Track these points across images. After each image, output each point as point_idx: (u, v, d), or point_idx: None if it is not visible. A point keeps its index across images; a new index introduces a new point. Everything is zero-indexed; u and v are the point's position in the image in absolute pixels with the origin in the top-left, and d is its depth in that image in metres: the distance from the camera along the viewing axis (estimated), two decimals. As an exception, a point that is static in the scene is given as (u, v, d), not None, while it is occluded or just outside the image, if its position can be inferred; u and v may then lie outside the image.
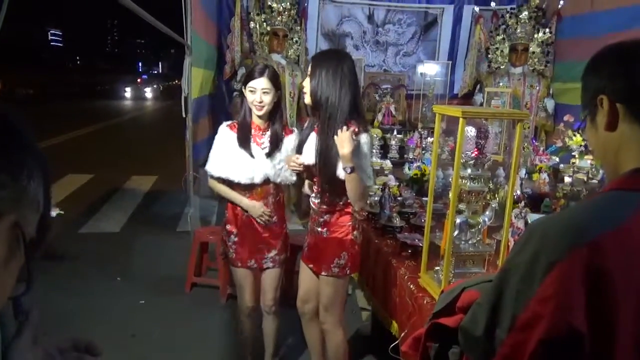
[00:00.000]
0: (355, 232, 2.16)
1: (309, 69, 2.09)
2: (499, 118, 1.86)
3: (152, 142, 11.17)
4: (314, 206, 2.21)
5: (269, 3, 5.36)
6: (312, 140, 2.13)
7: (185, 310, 3.41)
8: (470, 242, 1.82)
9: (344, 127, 1.96)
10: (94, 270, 4.01)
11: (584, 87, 0.92)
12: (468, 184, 1.78)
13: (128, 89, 31.74)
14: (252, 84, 2.24)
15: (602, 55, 0.90)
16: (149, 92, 32.46)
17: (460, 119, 1.63)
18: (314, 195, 2.21)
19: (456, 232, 1.79)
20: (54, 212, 2.93)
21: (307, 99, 2.11)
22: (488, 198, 1.83)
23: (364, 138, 2.05)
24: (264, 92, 2.23)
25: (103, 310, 3.37)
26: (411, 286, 1.99)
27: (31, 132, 0.58)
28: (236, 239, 2.38)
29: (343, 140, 1.93)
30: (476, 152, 1.75)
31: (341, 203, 2.12)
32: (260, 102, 2.24)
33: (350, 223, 2.14)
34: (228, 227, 2.42)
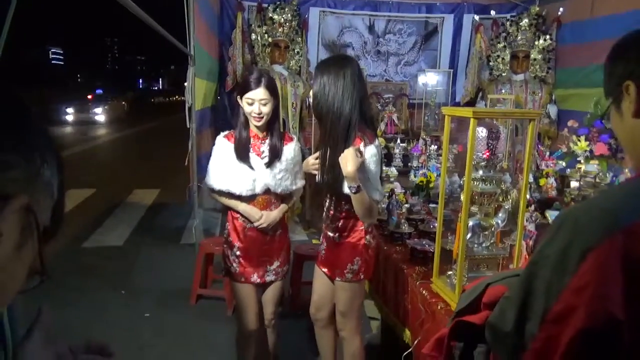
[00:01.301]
0: (368, 237, 2.11)
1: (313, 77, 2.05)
2: (510, 117, 1.84)
3: (154, 155, 11.18)
4: (326, 212, 2.17)
5: (270, 15, 5.39)
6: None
7: (191, 323, 3.37)
8: (483, 245, 1.79)
9: (351, 148, 1.88)
10: (99, 284, 3.97)
11: (608, 74, 0.89)
12: (480, 185, 1.75)
13: (70, 110, 20.31)
14: (249, 95, 2.15)
15: (627, 41, 0.88)
16: (101, 114, 20.76)
17: (472, 120, 1.61)
18: (325, 201, 2.17)
19: (469, 235, 1.76)
20: None
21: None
22: (501, 200, 1.80)
23: (371, 150, 1.96)
24: (262, 103, 2.16)
25: (108, 323, 3.32)
26: (424, 292, 1.96)
27: (44, 118, 0.56)
28: (238, 253, 2.30)
29: (346, 159, 1.85)
30: (487, 154, 1.72)
31: (352, 209, 2.06)
32: (259, 114, 2.16)
33: (362, 228, 2.09)
34: (230, 239, 2.32)
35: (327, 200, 2.14)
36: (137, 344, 3.08)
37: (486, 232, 1.78)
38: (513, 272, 1.01)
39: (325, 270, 2.21)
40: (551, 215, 2.32)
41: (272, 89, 2.18)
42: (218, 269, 3.85)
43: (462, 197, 1.76)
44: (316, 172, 2.12)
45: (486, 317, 0.94)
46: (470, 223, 1.75)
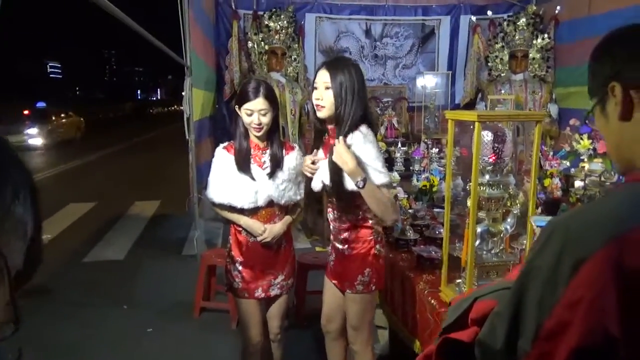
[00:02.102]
0: (378, 246, 2.03)
1: (325, 78, 1.92)
2: (515, 120, 1.79)
3: (153, 167, 11.14)
4: (332, 223, 2.11)
5: (266, 22, 5.37)
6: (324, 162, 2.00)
7: (195, 337, 3.31)
8: (492, 251, 1.74)
9: (336, 141, 1.84)
10: (100, 299, 3.92)
11: (592, 73, 0.84)
12: (487, 190, 1.70)
13: None
14: (248, 105, 2.07)
15: (613, 38, 0.82)
16: (37, 136, 15.03)
17: (476, 123, 1.57)
18: (330, 211, 2.11)
19: (477, 242, 1.71)
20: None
21: (325, 113, 1.94)
22: (509, 205, 1.75)
23: (362, 131, 1.89)
24: (261, 114, 2.07)
25: (111, 339, 3.27)
26: (432, 301, 1.91)
27: (15, 149, 0.51)
28: (241, 267, 2.22)
29: (341, 155, 1.80)
30: (493, 157, 1.68)
31: (359, 217, 2.01)
32: (259, 124, 2.09)
33: (371, 237, 2.02)
34: (233, 253, 2.25)
35: (330, 212, 2.09)
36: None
37: (495, 239, 1.73)
38: (502, 284, 0.94)
39: (335, 282, 2.14)
40: (536, 222, 2.20)
41: (271, 98, 2.12)
42: (221, 280, 3.78)
43: (469, 203, 1.72)
44: (311, 175, 2.05)
45: (475, 334, 0.89)
46: (479, 229, 1.71)
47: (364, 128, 1.93)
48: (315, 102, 1.96)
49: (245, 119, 2.11)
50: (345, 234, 2.04)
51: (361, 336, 2.11)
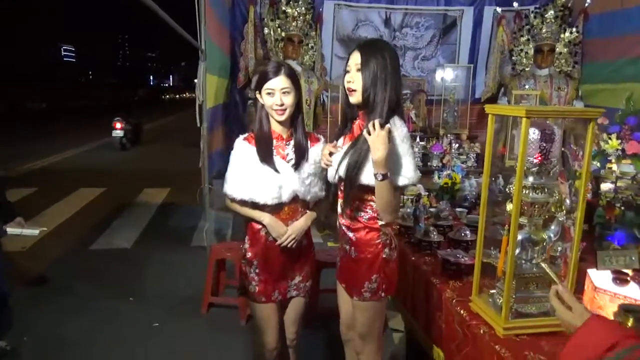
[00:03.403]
0: (387, 250, 1.86)
1: (357, 60, 1.77)
2: (568, 117, 1.62)
3: (165, 154, 11.05)
4: (339, 220, 1.95)
5: (283, 8, 5.19)
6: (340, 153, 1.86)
7: (202, 333, 3.19)
8: (533, 261, 1.57)
9: (377, 124, 1.65)
10: (106, 290, 3.81)
11: None
12: (530, 194, 1.54)
13: None
14: (268, 85, 1.92)
15: None
16: None
17: (524, 120, 1.40)
18: (339, 209, 1.95)
19: (517, 250, 1.55)
20: (36, 230, 2.60)
21: (357, 97, 1.80)
22: (553, 210, 1.58)
23: (395, 123, 1.75)
24: (284, 93, 1.92)
25: (115, 334, 3.15)
26: (461, 312, 1.75)
27: None
28: (258, 270, 2.06)
29: (378, 142, 1.64)
30: (539, 158, 1.51)
31: (365, 218, 1.84)
32: (281, 105, 1.93)
33: (380, 240, 1.85)
34: (249, 255, 2.07)
35: (338, 206, 1.93)
36: (145, 356, 2.91)
37: (537, 247, 1.56)
38: None
39: (343, 285, 1.99)
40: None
41: (293, 78, 1.95)
42: (230, 274, 3.67)
43: (509, 207, 1.55)
44: (325, 167, 1.91)
45: None
46: (519, 237, 1.54)
47: (397, 120, 1.77)
48: (347, 85, 1.82)
49: (267, 101, 1.94)
50: (352, 235, 1.88)
51: (369, 346, 1.95)
